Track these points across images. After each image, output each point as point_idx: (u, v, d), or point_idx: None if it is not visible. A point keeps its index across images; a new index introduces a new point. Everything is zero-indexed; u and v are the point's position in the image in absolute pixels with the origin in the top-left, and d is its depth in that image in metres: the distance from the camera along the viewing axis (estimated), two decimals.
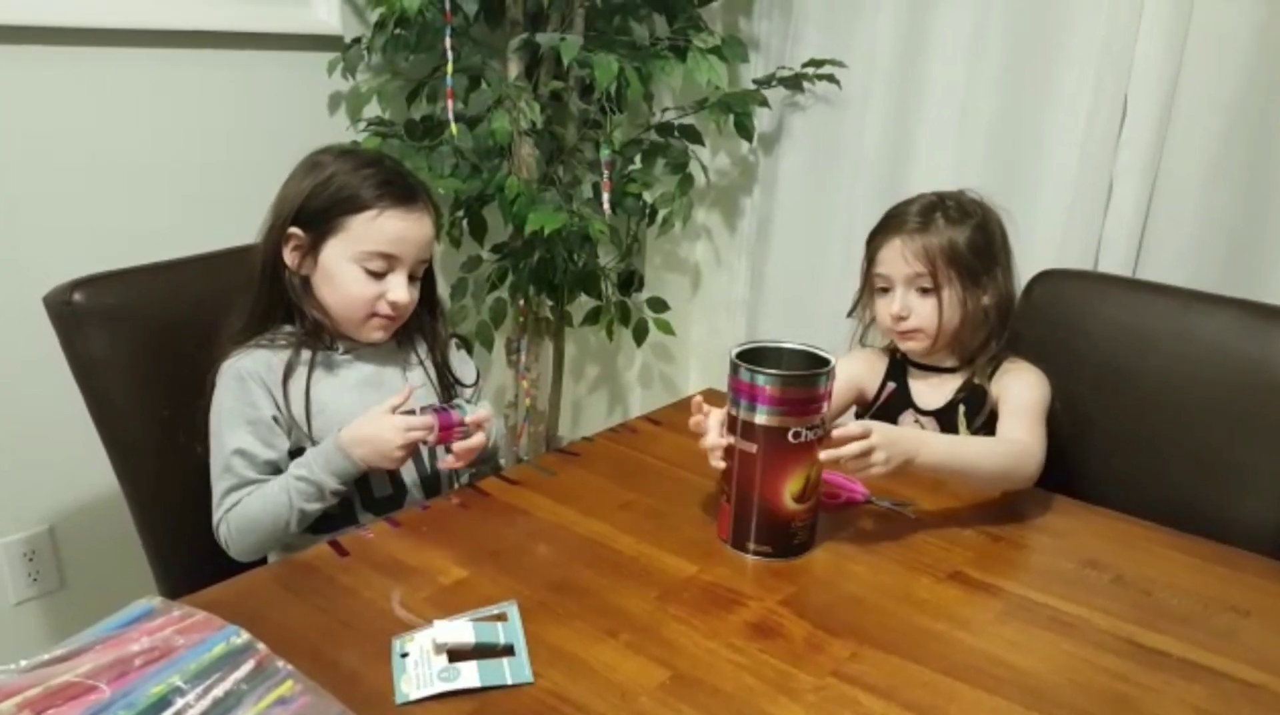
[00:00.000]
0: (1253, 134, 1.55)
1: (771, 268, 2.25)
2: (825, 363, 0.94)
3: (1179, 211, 1.64)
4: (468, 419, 1.06)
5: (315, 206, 1.08)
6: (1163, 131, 1.62)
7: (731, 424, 0.92)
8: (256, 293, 1.11)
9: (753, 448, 0.91)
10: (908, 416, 1.31)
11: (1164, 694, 0.77)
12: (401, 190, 1.09)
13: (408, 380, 1.15)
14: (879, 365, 1.35)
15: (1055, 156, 1.75)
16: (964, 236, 1.23)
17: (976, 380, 1.25)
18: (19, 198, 1.45)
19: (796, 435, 0.90)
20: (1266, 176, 1.55)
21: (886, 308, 1.26)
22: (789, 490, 0.91)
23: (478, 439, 1.08)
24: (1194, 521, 1.05)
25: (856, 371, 1.35)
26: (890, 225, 1.27)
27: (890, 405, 1.33)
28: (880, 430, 0.97)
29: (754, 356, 0.93)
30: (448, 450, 1.08)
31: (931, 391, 1.30)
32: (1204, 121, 1.59)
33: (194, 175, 1.62)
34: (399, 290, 1.09)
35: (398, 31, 1.68)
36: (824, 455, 0.94)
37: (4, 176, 1.43)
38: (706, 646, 0.80)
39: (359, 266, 1.08)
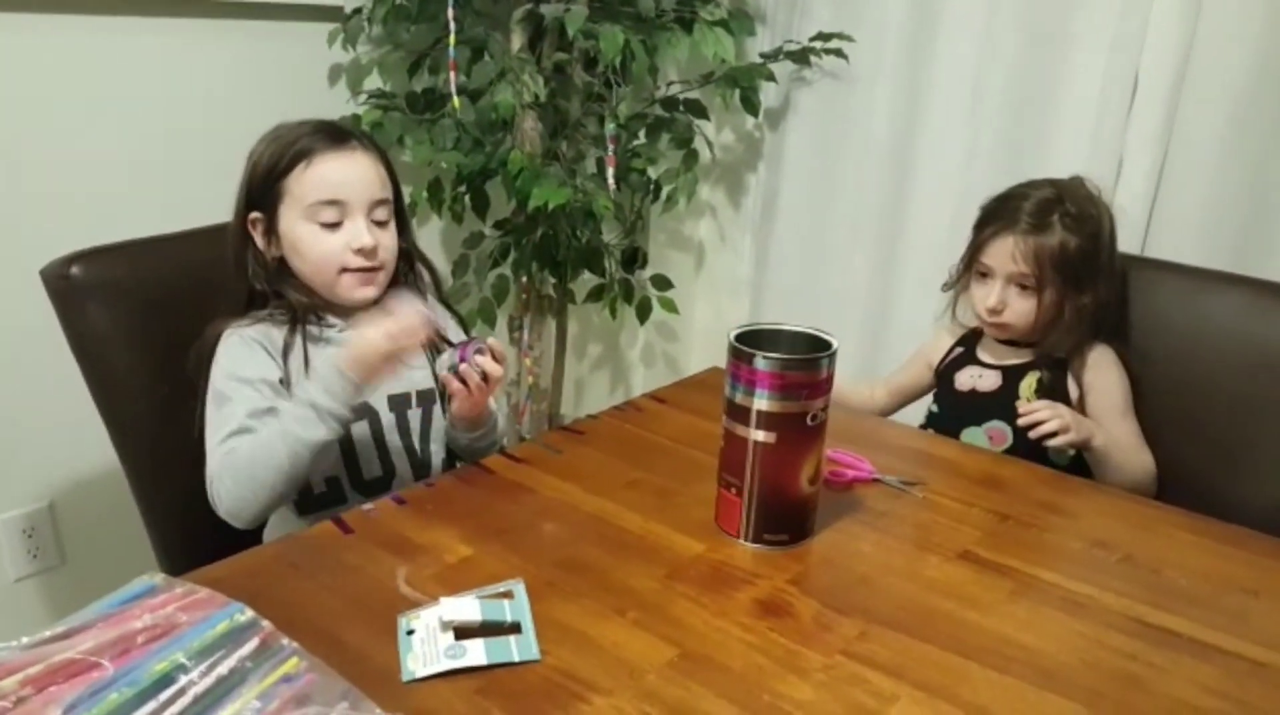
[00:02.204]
0: (1264, 113, 1.53)
1: (776, 246, 2.24)
2: (824, 342, 0.91)
3: (1189, 190, 1.62)
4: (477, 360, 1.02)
5: (257, 184, 1.08)
6: (1173, 109, 1.61)
7: (743, 415, 0.88)
8: (236, 279, 1.10)
9: (771, 437, 0.87)
10: (969, 370, 1.34)
11: (1173, 673, 0.76)
12: (328, 135, 1.07)
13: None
14: (952, 335, 1.41)
15: (1065, 134, 1.73)
16: (1075, 242, 1.23)
17: (1056, 354, 1.28)
18: (16, 169, 1.43)
19: (814, 418, 0.88)
20: (1278, 156, 1.53)
21: (984, 296, 1.29)
22: (805, 475, 0.90)
23: (493, 367, 1.03)
24: (1204, 501, 1.05)
25: (928, 348, 1.43)
26: (1005, 217, 1.27)
27: (952, 363, 1.37)
28: (1062, 407, 1.18)
29: (751, 340, 0.89)
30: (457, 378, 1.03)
31: (999, 353, 1.33)
32: (1215, 100, 1.57)
33: (193, 147, 1.60)
34: (360, 235, 1.06)
35: (399, 2, 1.66)
36: (1023, 421, 1.16)
37: (1, 147, 1.41)
38: (715, 625, 0.79)
39: (312, 223, 1.06)
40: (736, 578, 0.86)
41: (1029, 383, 1.28)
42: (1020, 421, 1.17)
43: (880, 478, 1.06)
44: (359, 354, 0.97)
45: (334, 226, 1.06)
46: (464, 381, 1.02)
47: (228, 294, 1.10)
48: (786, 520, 0.92)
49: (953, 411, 1.32)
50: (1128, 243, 1.66)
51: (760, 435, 0.88)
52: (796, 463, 0.89)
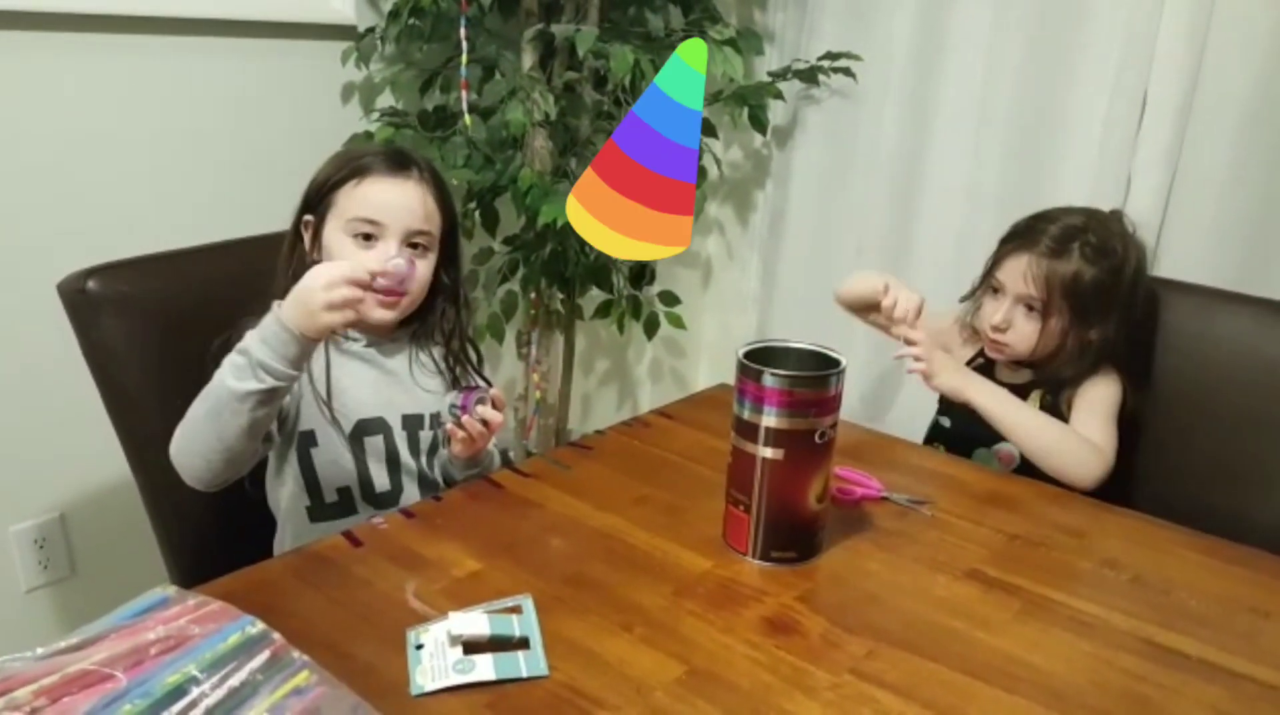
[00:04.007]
0: (1273, 132, 1.54)
1: (783, 262, 2.25)
2: (833, 360, 0.92)
3: (1197, 209, 1.63)
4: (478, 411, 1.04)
5: (316, 190, 1.10)
6: (1182, 128, 1.61)
7: (752, 432, 0.89)
8: (279, 278, 1.10)
9: (780, 454, 0.88)
10: None
11: (1183, 694, 0.76)
12: (388, 159, 1.09)
13: (415, 381, 1.14)
14: (973, 346, 1.39)
15: (1073, 152, 1.74)
16: (1092, 274, 1.22)
17: (1060, 375, 1.27)
18: (35, 185, 1.44)
19: (822, 436, 0.89)
20: None
21: (990, 312, 1.29)
22: (813, 492, 0.90)
23: (494, 415, 1.04)
24: (1213, 522, 1.04)
25: (951, 333, 1.41)
26: (1026, 237, 1.26)
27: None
28: (946, 355, 1.23)
29: (760, 357, 0.90)
30: (457, 423, 1.04)
31: (1009, 372, 1.33)
32: (1224, 118, 1.58)
33: (207, 163, 1.62)
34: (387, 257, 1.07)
35: (412, 21, 1.68)
36: (897, 329, 1.21)
37: (20, 163, 1.43)
38: (722, 642, 0.79)
39: (347, 237, 1.08)
40: (744, 595, 0.86)
41: (1033, 401, 1.28)
42: (894, 355, 1.21)
43: (888, 496, 1.06)
44: (298, 296, 0.90)
45: (368, 245, 1.08)
46: (465, 428, 1.04)
47: (246, 308, 1.10)
48: (794, 537, 0.92)
49: (966, 428, 1.31)
50: None
51: (769, 452, 0.88)
52: (805, 480, 0.89)
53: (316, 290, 0.89)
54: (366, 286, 0.93)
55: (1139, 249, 1.27)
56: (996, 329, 1.27)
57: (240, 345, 0.93)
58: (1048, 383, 1.28)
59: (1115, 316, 1.24)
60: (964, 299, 1.40)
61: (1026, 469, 1.25)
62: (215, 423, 0.93)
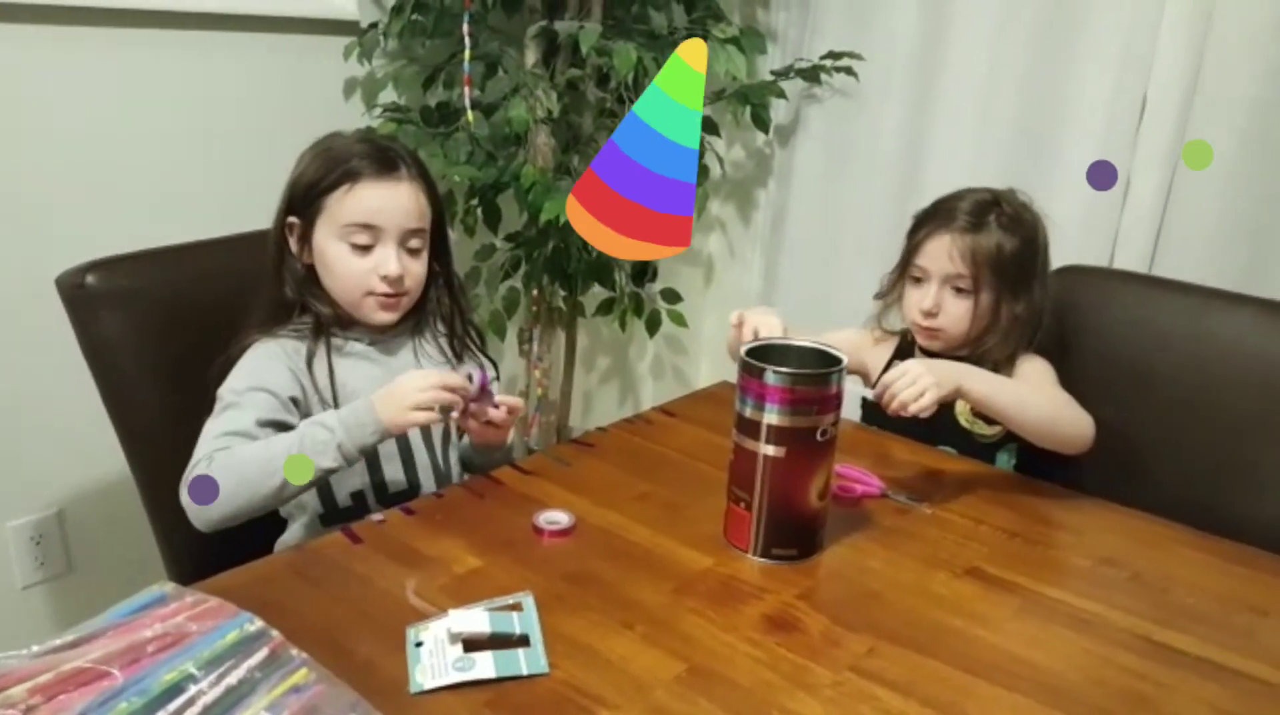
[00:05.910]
0: (1274, 131, 1.54)
1: (785, 261, 2.25)
2: (835, 358, 0.92)
3: (1197, 208, 1.62)
4: (497, 399, 1.05)
5: (301, 192, 1.08)
6: (1182, 127, 1.61)
7: (754, 429, 0.88)
8: (271, 284, 1.10)
9: (781, 451, 0.88)
10: None
11: (1182, 692, 0.76)
12: (376, 161, 1.07)
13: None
14: (887, 345, 1.35)
15: (1073, 151, 1.74)
16: (1012, 245, 1.21)
17: (993, 357, 1.23)
18: (34, 179, 1.44)
19: (824, 433, 0.88)
20: None
21: (918, 300, 1.25)
22: (814, 490, 0.90)
23: (498, 414, 1.05)
24: (1211, 520, 1.04)
25: (859, 343, 1.36)
26: (940, 218, 1.24)
27: None
28: (916, 361, 1.07)
29: (760, 355, 0.90)
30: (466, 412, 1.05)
31: None
32: (1224, 117, 1.58)
33: (208, 159, 1.62)
34: (388, 262, 1.06)
35: (415, 16, 1.68)
36: (875, 393, 1.07)
37: (19, 158, 1.43)
38: (723, 640, 0.79)
39: (344, 243, 1.07)
40: (745, 592, 0.86)
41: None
42: (875, 396, 1.09)
43: (889, 494, 1.06)
44: (392, 391, 0.98)
45: (365, 250, 1.07)
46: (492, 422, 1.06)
47: (244, 304, 1.10)
48: (795, 535, 0.92)
49: (900, 433, 1.26)
50: (1135, 261, 1.67)
51: (770, 450, 0.88)
52: (806, 477, 0.89)
53: (410, 390, 0.97)
54: (457, 391, 0.99)
55: (1041, 220, 1.26)
56: (928, 315, 1.24)
57: (323, 421, 0.98)
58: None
59: (1036, 287, 1.23)
60: (878, 296, 1.36)
61: None
62: (266, 477, 0.95)
